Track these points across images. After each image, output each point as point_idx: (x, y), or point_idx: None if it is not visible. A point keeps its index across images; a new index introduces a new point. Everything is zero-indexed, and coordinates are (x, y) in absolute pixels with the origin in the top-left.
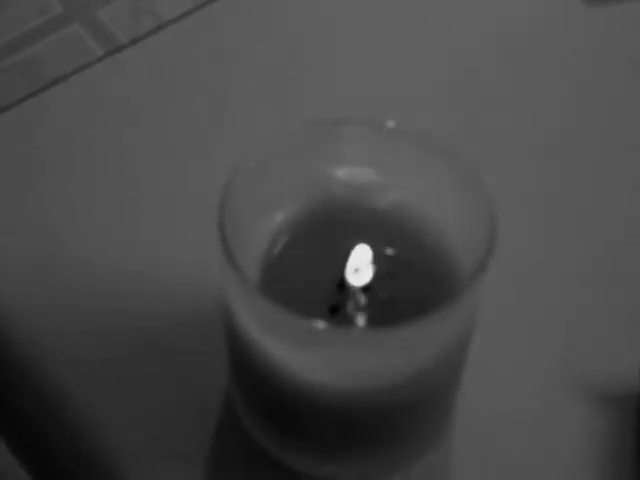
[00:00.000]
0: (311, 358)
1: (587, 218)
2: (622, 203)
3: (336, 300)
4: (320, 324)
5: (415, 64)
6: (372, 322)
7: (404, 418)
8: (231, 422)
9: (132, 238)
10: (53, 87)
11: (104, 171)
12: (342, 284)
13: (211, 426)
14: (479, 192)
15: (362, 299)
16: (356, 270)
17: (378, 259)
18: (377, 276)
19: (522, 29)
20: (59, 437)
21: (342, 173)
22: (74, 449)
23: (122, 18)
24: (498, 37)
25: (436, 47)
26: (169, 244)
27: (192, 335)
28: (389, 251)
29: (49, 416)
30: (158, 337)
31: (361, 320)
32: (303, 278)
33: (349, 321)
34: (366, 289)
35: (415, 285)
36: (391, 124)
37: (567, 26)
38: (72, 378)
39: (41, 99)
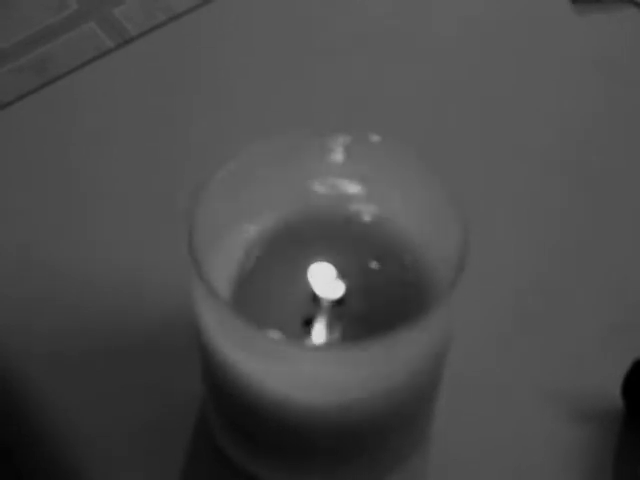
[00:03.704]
0: (281, 372)
1: (569, 232)
2: (603, 216)
3: (310, 314)
4: (286, 339)
5: (401, 80)
6: (345, 336)
7: (375, 433)
8: (204, 433)
9: (105, 240)
10: (55, 82)
11: (76, 178)
12: (316, 298)
13: (185, 437)
14: (456, 208)
15: (335, 313)
16: (324, 285)
17: (354, 273)
18: (352, 290)
19: (508, 40)
20: (22, 448)
21: (321, 185)
22: (39, 462)
23: (137, 16)
24: (484, 51)
25: (425, 64)
26: (146, 250)
27: (170, 342)
28: (366, 265)
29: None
30: (133, 347)
31: (334, 334)
32: (277, 291)
33: (322, 335)
34: (340, 303)
35: (392, 299)
36: (371, 137)
37: (554, 31)
38: (40, 390)
39: (46, 93)
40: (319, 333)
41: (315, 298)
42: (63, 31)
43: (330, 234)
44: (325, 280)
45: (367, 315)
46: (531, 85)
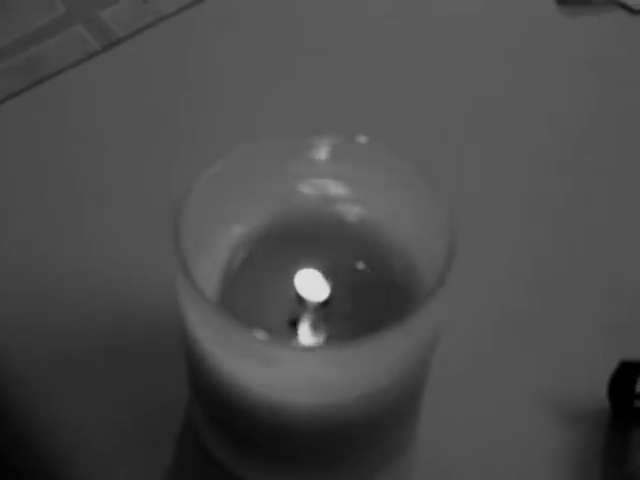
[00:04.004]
0: (266, 373)
1: (559, 233)
2: (596, 216)
3: (296, 314)
4: (272, 339)
5: (389, 81)
6: (331, 337)
7: (362, 434)
8: (192, 435)
9: (99, 240)
10: (45, 82)
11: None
12: (301, 299)
13: (174, 438)
14: (443, 208)
15: (321, 314)
16: (309, 287)
17: (341, 273)
18: (338, 291)
19: (497, 41)
20: (20, 448)
21: (307, 186)
22: (27, 461)
23: (125, 19)
24: (475, 52)
25: (416, 64)
26: (142, 249)
27: (155, 343)
28: (352, 265)
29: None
30: (130, 347)
31: (320, 335)
32: (263, 292)
33: (308, 336)
34: (326, 304)
35: (378, 300)
36: (358, 139)
37: (540, 32)
38: (37, 389)
39: (36, 93)
40: (305, 334)
41: (301, 299)
42: (52, 33)
43: (316, 235)
44: (311, 282)
45: (353, 316)
46: (521, 86)
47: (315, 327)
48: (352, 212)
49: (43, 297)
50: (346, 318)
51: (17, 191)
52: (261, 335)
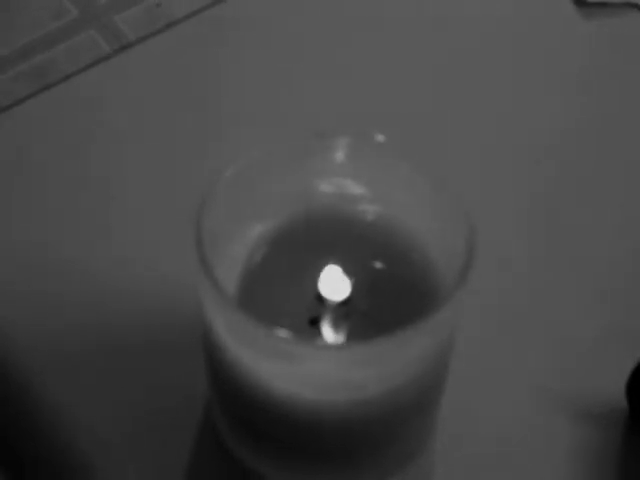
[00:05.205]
0: (289, 371)
1: (573, 233)
2: (609, 216)
3: (316, 313)
4: (295, 337)
5: (405, 80)
6: (352, 335)
7: (380, 433)
8: (209, 432)
9: (114, 244)
10: (55, 87)
11: (83, 175)
12: (321, 297)
13: (190, 436)
14: (462, 207)
15: (341, 312)
16: (330, 285)
17: (360, 272)
18: (358, 289)
19: (512, 42)
20: (30, 441)
21: (326, 185)
22: (45, 459)
23: (139, 23)
24: (489, 53)
25: (428, 65)
26: (155, 248)
27: (175, 340)
28: (371, 264)
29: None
30: (137, 345)
31: (340, 333)
32: (283, 290)
33: (328, 334)
34: (346, 302)
35: (397, 298)
36: (375, 137)
37: (558, 33)
38: (43, 386)
39: (45, 97)
40: (326, 332)
41: (321, 297)
42: (63, 38)
43: (335, 234)
44: (331, 280)
45: (373, 314)
46: (533, 86)
47: (336, 325)
48: (370, 211)
49: (59, 296)
50: (366, 316)
51: (26, 195)
52: (284, 333)
